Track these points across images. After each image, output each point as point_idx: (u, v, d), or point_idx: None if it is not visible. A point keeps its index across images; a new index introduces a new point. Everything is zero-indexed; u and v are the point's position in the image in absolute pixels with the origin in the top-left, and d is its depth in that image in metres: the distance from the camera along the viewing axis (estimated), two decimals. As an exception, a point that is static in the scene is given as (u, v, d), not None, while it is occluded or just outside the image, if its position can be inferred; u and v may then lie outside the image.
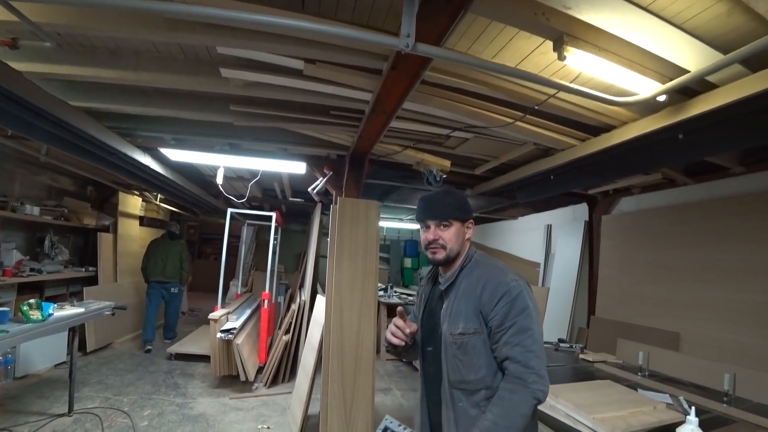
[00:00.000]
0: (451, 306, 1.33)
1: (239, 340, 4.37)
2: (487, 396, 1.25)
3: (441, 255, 1.35)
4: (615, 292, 4.29)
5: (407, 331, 1.35)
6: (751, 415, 1.94)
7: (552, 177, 3.64)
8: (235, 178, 5.13)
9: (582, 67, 1.77)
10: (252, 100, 2.73)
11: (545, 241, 6.00)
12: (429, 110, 2.47)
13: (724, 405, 2.08)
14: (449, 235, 1.35)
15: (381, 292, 6.58)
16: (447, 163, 3.45)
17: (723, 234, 3.29)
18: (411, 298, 6.59)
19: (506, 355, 1.22)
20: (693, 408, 1.34)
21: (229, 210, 5.44)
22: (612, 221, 4.58)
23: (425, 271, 9.62)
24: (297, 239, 9.72)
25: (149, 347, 5.51)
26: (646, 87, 1.95)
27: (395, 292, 6.85)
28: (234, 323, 4.67)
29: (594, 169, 3.21)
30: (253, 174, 4.36)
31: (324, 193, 4.22)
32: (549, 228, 6.02)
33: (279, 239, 7.42)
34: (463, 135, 2.99)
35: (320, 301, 3.77)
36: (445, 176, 3.48)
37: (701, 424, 1.67)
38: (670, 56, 1.76)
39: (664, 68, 1.87)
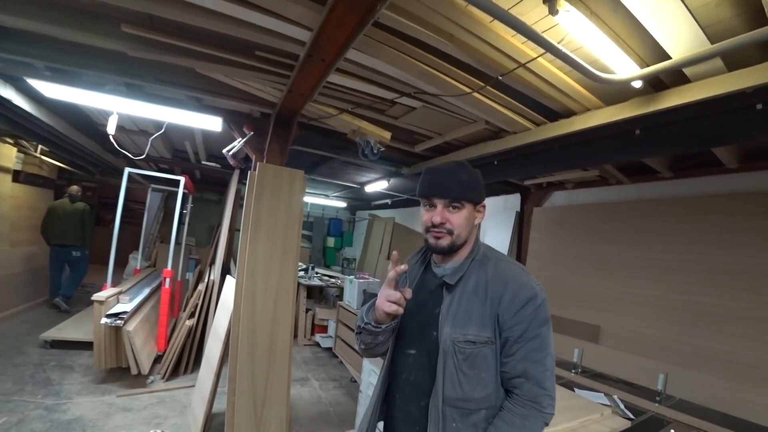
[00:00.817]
0: (456, 304, 1.09)
1: (131, 326, 3.65)
2: (488, 417, 1.06)
3: (446, 241, 1.10)
4: (543, 283, 4.29)
5: (408, 295, 1.06)
6: (684, 416, 1.96)
7: (496, 162, 3.45)
8: (136, 131, 4.23)
9: (572, 29, 1.49)
10: (153, 22, 2.06)
11: (475, 229, 5.96)
12: (376, 65, 2.04)
13: (656, 404, 2.12)
14: (459, 219, 1.10)
15: (301, 273, 6.11)
16: (387, 135, 3.05)
17: (648, 233, 3.37)
18: (333, 280, 6.19)
19: (522, 372, 1.04)
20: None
21: (127, 169, 4.53)
22: (543, 214, 4.59)
23: (349, 251, 9.33)
24: (212, 210, 8.75)
25: (64, 305, 5.41)
26: (626, 68, 1.74)
27: (316, 273, 6.40)
28: (126, 305, 3.92)
29: (541, 158, 3.06)
30: (158, 127, 3.57)
31: (243, 158, 3.61)
32: (477, 214, 5.97)
33: (190, 208, 6.55)
34: (411, 103, 2.61)
35: (229, 282, 3.22)
36: (383, 149, 3.09)
37: (639, 426, 1.60)
38: (660, 33, 1.53)
39: (646, 51, 1.71)
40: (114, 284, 4.27)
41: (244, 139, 2.89)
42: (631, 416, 1.90)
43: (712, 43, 1.54)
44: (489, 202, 4.29)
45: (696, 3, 1.43)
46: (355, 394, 3.77)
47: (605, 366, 2.84)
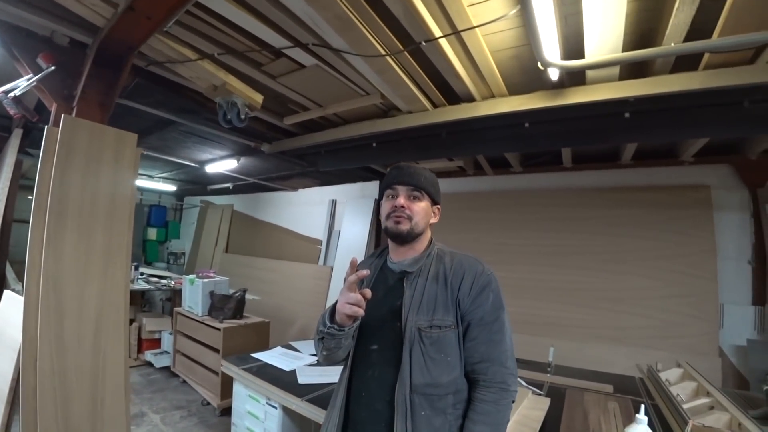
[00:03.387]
0: (420, 293, 1.13)
1: None
2: (455, 402, 1.09)
3: (405, 226, 1.15)
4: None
5: (368, 296, 1.04)
6: (573, 380, 2.20)
7: (375, 144, 3.20)
8: None
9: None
10: None
11: (329, 217, 5.67)
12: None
13: (549, 375, 2.31)
14: (418, 207, 1.17)
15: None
16: (259, 98, 2.44)
17: (504, 221, 3.71)
18: (164, 282, 4.97)
19: (485, 355, 1.10)
20: (642, 407, 1.26)
21: None
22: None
23: (176, 244, 7.77)
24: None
25: None
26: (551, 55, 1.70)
27: (141, 274, 5.03)
28: None
29: (426, 143, 2.96)
30: None
31: (35, 108, 2.36)
32: (334, 203, 5.71)
33: None
34: (303, 59, 2.10)
35: (11, 303, 2.07)
36: (251, 115, 2.48)
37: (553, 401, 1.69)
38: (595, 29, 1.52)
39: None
40: None
41: (38, 76, 1.84)
42: (539, 391, 1.96)
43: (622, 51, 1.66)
44: (344, 188, 4.05)
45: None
46: (212, 420, 3.03)
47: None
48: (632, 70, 1.93)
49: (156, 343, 4.22)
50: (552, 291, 3.31)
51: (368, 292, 1.03)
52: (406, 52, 1.88)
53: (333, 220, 5.61)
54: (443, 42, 1.76)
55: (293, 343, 2.90)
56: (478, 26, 1.60)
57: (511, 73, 2.13)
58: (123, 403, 1.87)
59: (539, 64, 1.74)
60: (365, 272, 1.04)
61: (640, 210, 3.11)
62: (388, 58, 1.89)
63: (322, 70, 2.22)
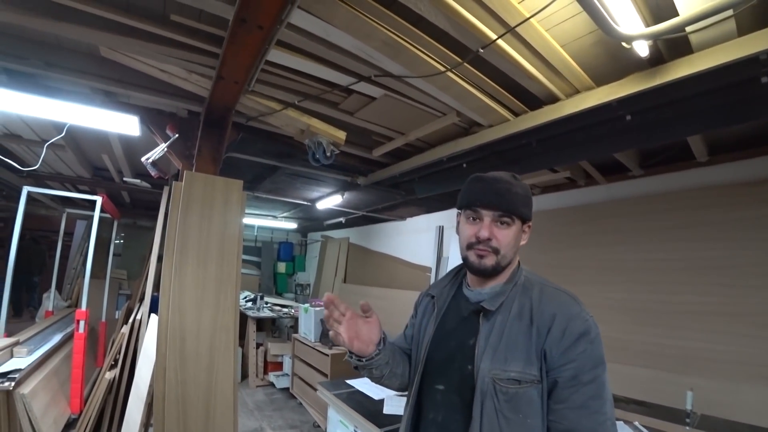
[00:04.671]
0: (498, 334, 0.94)
1: (28, 388, 2.84)
2: None
3: (490, 261, 0.97)
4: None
5: (341, 308, 0.98)
6: None
7: (465, 165, 3.11)
8: (37, 141, 3.47)
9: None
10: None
11: (437, 244, 5.63)
12: (329, 33, 1.61)
13: (688, 428, 1.84)
14: (507, 237, 0.97)
15: (249, 304, 5.41)
16: (342, 135, 2.61)
17: (621, 234, 3.17)
18: (286, 309, 5.53)
19: (576, 425, 0.86)
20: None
21: (26, 188, 3.69)
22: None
23: (302, 276, 8.60)
24: (148, 238, 7.78)
25: None
26: (633, 25, 1.44)
27: (266, 303, 5.69)
28: (23, 359, 3.10)
29: (515, 155, 2.76)
30: (59, 129, 2.87)
31: (172, 172, 3.00)
32: (441, 229, 5.66)
33: (120, 237, 5.66)
34: (370, 91, 2.20)
35: (152, 323, 2.57)
36: (337, 152, 2.65)
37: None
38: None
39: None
40: (11, 333, 3.40)
41: (167, 144, 2.33)
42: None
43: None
44: (448, 213, 3.92)
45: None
46: (320, 444, 3.19)
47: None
48: (757, 15, 1.44)
49: (279, 365, 4.68)
50: (687, 315, 2.63)
51: (366, 306, 0.99)
52: (466, 64, 1.82)
53: (441, 246, 5.57)
54: (502, 44, 1.65)
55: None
56: (531, 17, 1.47)
57: (597, 62, 1.86)
58: (231, 416, 2.09)
59: (622, 43, 1.50)
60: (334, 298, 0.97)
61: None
62: (448, 73, 1.86)
63: (391, 99, 2.29)
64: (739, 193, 2.60)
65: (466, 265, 1.03)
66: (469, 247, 0.99)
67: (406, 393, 1.11)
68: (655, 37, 1.48)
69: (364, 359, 1.00)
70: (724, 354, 2.37)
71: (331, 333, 0.97)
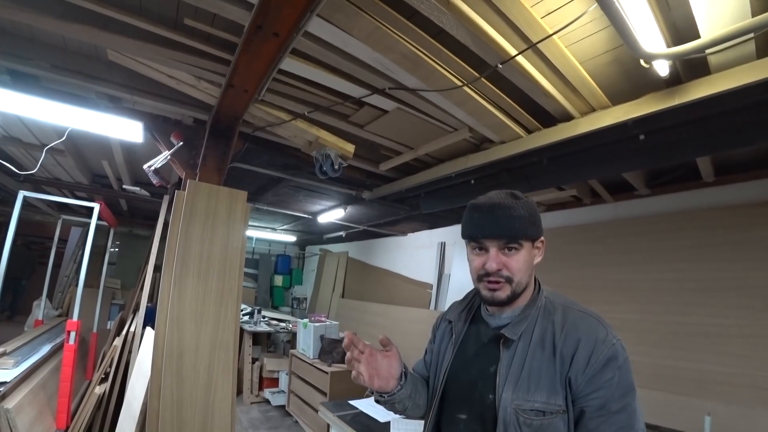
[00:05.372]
0: (519, 362, 0.89)
1: (13, 402, 2.71)
2: None
3: (505, 293, 0.90)
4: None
5: (360, 346, 0.93)
6: None
7: (473, 181, 3.07)
8: (37, 145, 3.40)
9: None
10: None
11: (438, 260, 5.55)
12: (347, 44, 1.57)
13: None
14: (518, 263, 0.90)
15: (246, 317, 5.28)
16: (350, 148, 2.57)
17: (630, 253, 3.12)
18: (283, 324, 5.40)
19: None
20: None
21: (22, 193, 3.59)
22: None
23: (299, 290, 8.49)
24: (144, 247, 7.65)
25: None
26: (655, 44, 1.41)
27: (263, 317, 5.56)
28: (8, 371, 2.97)
29: (525, 173, 2.73)
30: (59, 133, 2.80)
31: (174, 180, 2.93)
32: (443, 246, 5.60)
33: (116, 245, 5.53)
34: (383, 104, 2.17)
35: (148, 337, 2.47)
36: (345, 165, 2.60)
37: None
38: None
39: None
40: (-3, 343, 3.28)
41: (170, 151, 2.27)
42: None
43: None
44: (451, 230, 3.84)
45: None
46: (317, 467, 3.05)
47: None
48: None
49: (275, 382, 4.53)
50: (701, 337, 2.57)
51: (357, 340, 0.93)
52: (483, 79, 1.79)
53: (443, 263, 5.50)
54: (521, 60, 1.63)
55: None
56: (553, 33, 1.44)
57: (612, 81, 1.85)
58: (228, 440, 1.98)
59: (642, 62, 1.47)
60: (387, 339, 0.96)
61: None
62: (465, 88, 1.83)
63: (404, 113, 2.25)
64: (750, 213, 2.58)
65: (480, 298, 0.98)
66: (480, 279, 0.93)
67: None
68: (676, 57, 1.46)
69: (386, 395, 0.96)
70: (741, 377, 2.31)
71: (353, 374, 0.94)
